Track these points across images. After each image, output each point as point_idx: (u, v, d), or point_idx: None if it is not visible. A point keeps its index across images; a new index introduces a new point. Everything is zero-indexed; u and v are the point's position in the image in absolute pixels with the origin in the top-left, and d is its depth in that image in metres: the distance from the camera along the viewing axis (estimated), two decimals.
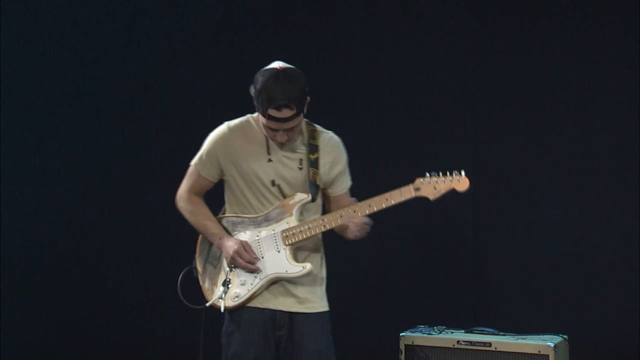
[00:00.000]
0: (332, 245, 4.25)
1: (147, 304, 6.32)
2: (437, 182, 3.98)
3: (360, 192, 6.04)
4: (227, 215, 4.17)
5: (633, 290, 5.64)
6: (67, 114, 6.39)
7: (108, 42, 6.38)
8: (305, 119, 4.11)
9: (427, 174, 3.98)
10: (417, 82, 6.05)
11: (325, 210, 4.20)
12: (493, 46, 5.93)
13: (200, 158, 4.14)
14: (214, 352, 4.30)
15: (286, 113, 3.90)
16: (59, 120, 6.39)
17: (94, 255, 6.39)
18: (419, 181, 3.99)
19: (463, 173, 3.97)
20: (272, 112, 3.90)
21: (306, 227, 4.05)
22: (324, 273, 4.22)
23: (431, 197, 3.99)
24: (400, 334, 5.09)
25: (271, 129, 3.97)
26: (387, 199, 3.99)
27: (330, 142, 4.14)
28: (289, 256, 4.06)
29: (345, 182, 4.19)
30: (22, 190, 6.37)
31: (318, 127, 4.14)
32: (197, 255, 4.22)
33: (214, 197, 4.26)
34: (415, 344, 5.04)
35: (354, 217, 4.02)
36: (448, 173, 3.97)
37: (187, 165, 4.27)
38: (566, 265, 5.79)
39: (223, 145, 4.10)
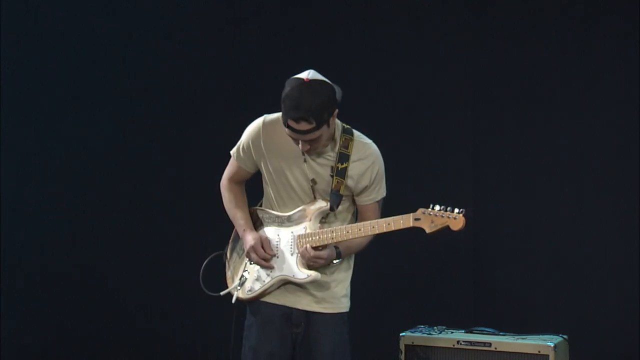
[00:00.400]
0: None
1: (148, 305, 6.32)
2: (435, 216, 4.02)
3: None
4: (259, 207, 4.25)
5: (633, 290, 5.64)
6: (66, 115, 6.39)
7: (108, 42, 6.38)
8: (345, 125, 4.14)
9: (430, 206, 4.03)
10: (416, 82, 6.04)
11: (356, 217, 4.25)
12: (493, 46, 5.92)
13: (237, 149, 4.21)
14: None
15: (304, 126, 3.93)
16: (57, 122, 6.38)
17: (94, 256, 6.38)
18: (420, 212, 4.04)
19: (462, 212, 4.00)
20: (291, 123, 3.94)
21: (317, 237, 4.09)
22: (346, 275, 4.25)
23: (427, 230, 4.04)
24: (400, 334, 5.08)
25: (291, 137, 4.01)
26: (389, 224, 4.04)
27: (364, 154, 4.15)
28: (299, 261, 4.11)
29: (374, 194, 4.20)
30: (22, 190, 6.37)
31: (356, 135, 4.15)
32: (230, 241, 4.30)
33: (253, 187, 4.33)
34: (415, 344, 5.04)
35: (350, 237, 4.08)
36: (449, 209, 4.02)
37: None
38: (566, 265, 5.79)
39: (256, 140, 4.14)
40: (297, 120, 3.92)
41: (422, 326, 5.21)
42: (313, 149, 4.04)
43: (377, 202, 4.22)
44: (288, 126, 3.95)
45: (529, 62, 5.84)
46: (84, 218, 6.38)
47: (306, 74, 4.00)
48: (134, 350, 6.34)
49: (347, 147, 4.11)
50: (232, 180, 4.26)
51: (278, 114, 4.11)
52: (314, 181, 4.11)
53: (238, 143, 4.21)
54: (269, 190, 4.19)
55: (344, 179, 4.10)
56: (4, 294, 6.30)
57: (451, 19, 5.98)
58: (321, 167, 4.11)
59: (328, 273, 4.17)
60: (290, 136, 4.00)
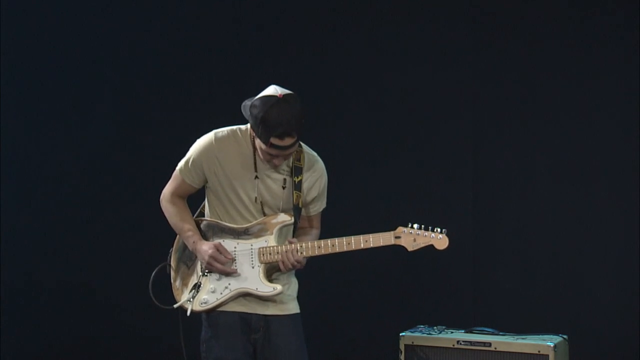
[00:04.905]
0: None
1: (143, 308, 6.31)
2: (417, 234, 4.07)
3: (360, 191, 6.06)
4: (208, 219, 4.21)
5: (633, 290, 5.64)
6: (61, 129, 6.41)
7: (106, 43, 6.38)
8: None
9: (409, 224, 4.07)
10: (416, 83, 6.04)
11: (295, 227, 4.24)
12: (493, 46, 5.92)
13: (186, 164, 4.18)
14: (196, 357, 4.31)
15: (288, 141, 3.96)
16: (54, 133, 6.41)
17: (88, 258, 6.39)
18: (400, 230, 4.08)
19: (445, 232, 4.06)
20: (275, 140, 3.94)
21: (283, 250, 4.10)
22: (296, 285, 4.27)
23: (409, 248, 4.09)
24: (400, 334, 5.09)
25: (269, 154, 4.01)
26: (366, 241, 4.08)
27: (314, 166, 4.19)
28: (262, 274, 4.12)
29: (319, 205, 4.26)
30: (19, 194, 6.40)
31: (304, 147, 4.19)
32: (173, 251, 4.27)
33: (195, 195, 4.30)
34: (415, 344, 5.04)
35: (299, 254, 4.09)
36: (430, 228, 4.07)
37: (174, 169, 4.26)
38: (566, 265, 5.79)
39: (208, 156, 4.13)
40: (282, 137, 3.93)
41: (422, 326, 5.21)
42: (281, 164, 4.07)
43: (320, 211, 4.27)
44: (271, 144, 3.95)
45: (529, 63, 5.84)
46: (79, 220, 6.39)
47: (274, 90, 4.00)
48: (127, 354, 6.36)
49: (299, 160, 4.14)
50: (176, 194, 4.23)
51: (227, 130, 4.14)
52: (256, 199, 4.11)
53: (186, 158, 4.17)
54: (216, 204, 4.17)
55: (301, 191, 4.13)
56: (3, 299, 6.33)
57: (451, 20, 5.98)
58: (273, 182, 4.13)
59: (283, 277, 4.19)
60: (269, 153, 4.00)
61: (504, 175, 5.91)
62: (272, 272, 4.18)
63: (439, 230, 4.06)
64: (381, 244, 4.07)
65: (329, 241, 4.09)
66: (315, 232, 4.26)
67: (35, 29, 6.38)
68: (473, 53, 5.95)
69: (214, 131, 4.17)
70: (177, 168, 4.20)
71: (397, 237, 4.06)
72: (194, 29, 6.35)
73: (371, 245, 4.06)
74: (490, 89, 5.93)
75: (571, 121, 5.79)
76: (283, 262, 4.09)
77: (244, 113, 4.05)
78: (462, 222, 5.88)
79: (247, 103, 4.04)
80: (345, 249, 4.07)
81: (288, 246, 4.09)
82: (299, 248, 4.08)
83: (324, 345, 5.90)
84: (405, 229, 4.06)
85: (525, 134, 5.87)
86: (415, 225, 4.06)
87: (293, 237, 4.19)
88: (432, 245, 4.07)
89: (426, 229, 4.06)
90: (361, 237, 4.06)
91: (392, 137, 6.07)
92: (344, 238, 4.07)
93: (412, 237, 4.06)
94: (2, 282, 6.35)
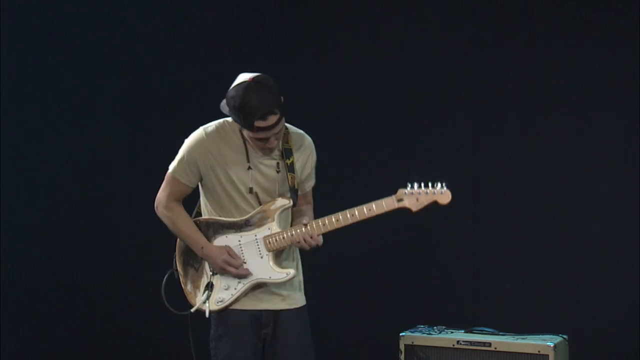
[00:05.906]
0: (332, 244, 4.25)
1: (144, 307, 6.33)
2: (419, 193, 4.01)
3: (359, 191, 6.06)
4: (207, 218, 4.19)
5: (633, 290, 5.64)
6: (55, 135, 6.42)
7: (106, 42, 6.39)
8: None
9: (409, 185, 4.01)
10: (416, 82, 6.04)
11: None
12: (493, 45, 5.92)
13: (179, 164, 4.14)
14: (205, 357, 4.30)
15: (272, 119, 3.94)
16: (53, 132, 6.42)
17: (89, 258, 6.40)
18: (401, 192, 4.03)
19: (445, 186, 4.00)
20: (259, 122, 3.93)
21: (289, 234, 4.08)
22: (300, 275, 4.25)
23: (413, 208, 4.03)
24: (400, 334, 5.09)
25: (260, 140, 4.00)
26: (370, 210, 4.03)
27: (303, 144, 4.19)
28: (272, 262, 4.10)
29: (311, 181, 4.26)
30: (19, 194, 6.41)
31: (290, 127, 4.17)
32: (176, 256, 4.24)
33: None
34: (415, 344, 5.05)
35: (315, 232, 4.06)
36: (430, 185, 4.01)
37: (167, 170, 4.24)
38: (566, 265, 5.79)
39: (202, 151, 4.11)
40: (264, 117, 3.92)
41: (422, 326, 5.21)
42: (277, 144, 4.05)
43: (312, 187, 4.27)
44: (256, 128, 3.94)
45: (529, 62, 5.84)
46: (79, 225, 6.41)
47: (243, 77, 3.99)
48: (129, 355, 6.37)
49: (287, 142, 4.13)
50: (172, 198, 4.17)
51: (215, 123, 4.13)
52: (250, 190, 4.10)
53: (178, 158, 4.14)
54: (216, 199, 4.15)
55: (294, 173, 4.12)
56: (4, 300, 6.34)
57: (451, 18, 5.98)
58: (267, 168, 4.11)
59: (292, 266, 4.18)
60: (258, 138, 3.99)
61: (504, 175, 5.91)
62: (280, 259, 4.16)
63: (439, 184, 4.00)
64: (385, 209, 4.01)
65: (332, 217, 4.06)
66: (310, 207, 4.26)
67: (35, 28, 6.38)
68: (473, 52, 5.95)
69: (201, 127, 4.15)
70: (170, 170, 4.16)
71: (400, 200, 4.00)
72: (194, 28, 6.35)
73: (375, 212, 4.00)
74: (490, 88, 5.93)
75: (572, 120, 5.79)
76: (306, 242, 4.06)
77: (223, 111, 4.03)
78: (462, 221, 5.88)
79: (223, 102, 4.05)
80: (350, 221, 4.03)
81: (299, 231, 4.06)
82: (305, 229, 4.05)
83: (324, 345, 5.90)
84: (406, 190, 4.00)
85: (525, 133, 5.87)
86: (415, 184, 4.00)
87: (291, 218, 4.18)
88: (435, 202, 3.99)
89: (426, 186, 4.00)
90: (364, 206, 4.02)
91: (391, 136, 6.07)
92: (347, 210, 4.03)
93: (415, 197, 4.00)
94: (2, 282, 6.35)
